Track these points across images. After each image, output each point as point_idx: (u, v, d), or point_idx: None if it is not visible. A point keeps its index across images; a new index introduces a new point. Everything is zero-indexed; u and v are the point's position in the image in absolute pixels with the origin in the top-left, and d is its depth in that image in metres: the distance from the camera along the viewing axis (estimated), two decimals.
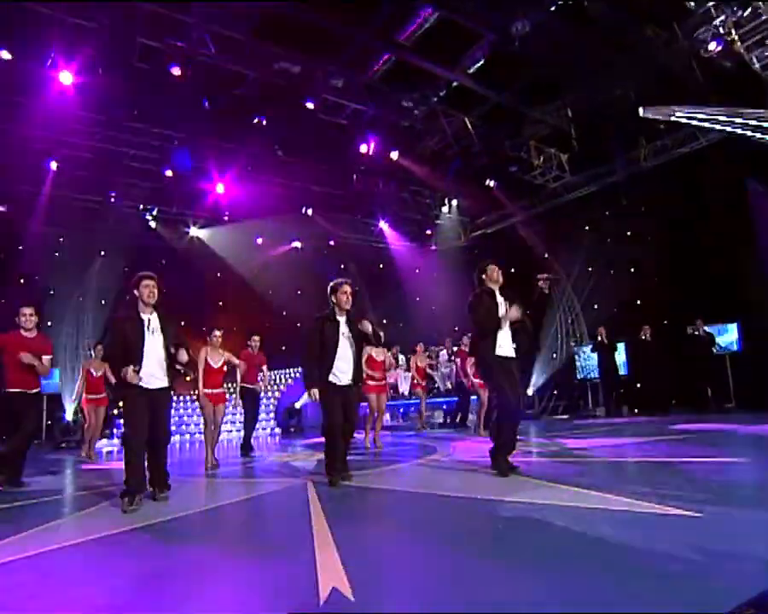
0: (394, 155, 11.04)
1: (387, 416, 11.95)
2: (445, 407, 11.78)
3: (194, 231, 14.82)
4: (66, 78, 7.67)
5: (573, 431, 9.04)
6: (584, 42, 9.14)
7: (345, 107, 10.53)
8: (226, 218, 14.50)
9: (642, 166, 11.76)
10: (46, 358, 5.49)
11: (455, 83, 10.43)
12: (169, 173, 11.31)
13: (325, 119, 10.61)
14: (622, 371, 11.46)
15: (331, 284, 4.93)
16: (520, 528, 2.89)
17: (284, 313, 15.92)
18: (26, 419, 5.39)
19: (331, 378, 4.76)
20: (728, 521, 2.77)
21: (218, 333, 6.78)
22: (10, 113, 8.90)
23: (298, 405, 13.44)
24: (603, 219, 12.38)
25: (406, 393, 12.22)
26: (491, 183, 12.45)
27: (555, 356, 12.96)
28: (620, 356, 11.45)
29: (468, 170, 12.89)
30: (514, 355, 4.71)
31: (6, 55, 7.11)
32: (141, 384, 4.02)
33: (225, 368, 6.86)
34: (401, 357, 11.99)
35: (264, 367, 7.97)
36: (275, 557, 2.65)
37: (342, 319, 4.88)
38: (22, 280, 11.44)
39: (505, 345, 4.65)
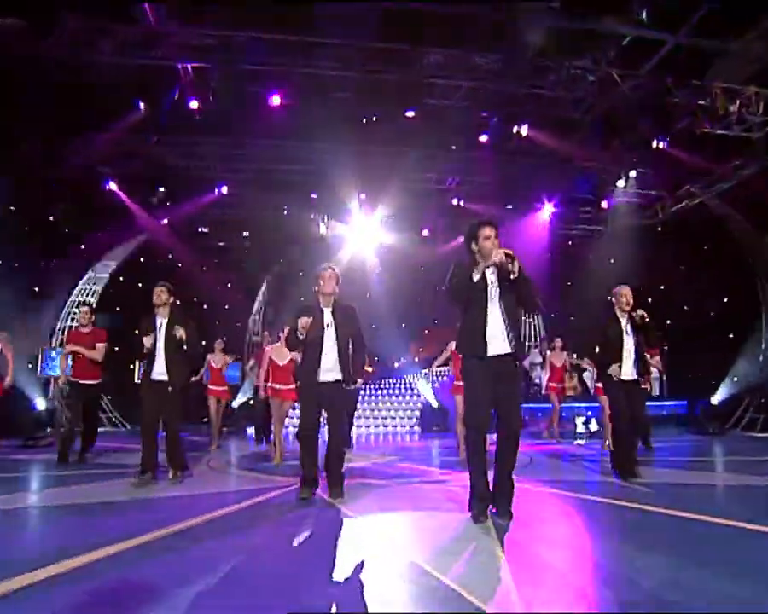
0: (524, 130, 9.94)
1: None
2: (589, 413, 10.11)
3: (357, 232, 15.66)
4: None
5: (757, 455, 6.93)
6: None
7: (499, 90, 9.71)
8: (391, 220, 15.01)
9: None
10: (99, 345, 6.33)
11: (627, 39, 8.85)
12: (313, 195, 12.35)
13: (465, 105, 9.99)
14: None
15: (316, 271, 4.46)
16: None
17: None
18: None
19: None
20: None
21: (287, 329, 6.69)
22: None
23: (435, 404, 13.07)
24: None
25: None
26: (662, 145, 10.24)
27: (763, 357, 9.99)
28: None
29: (637, 134, 10.87)
30: (509, 351, 3.40)
31: (142, 106, 8.84)
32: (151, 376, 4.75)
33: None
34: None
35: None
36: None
37: (328, 309, 4.34)
38: (218, 288, 13.87)
39: (495, 341, 3.40)
